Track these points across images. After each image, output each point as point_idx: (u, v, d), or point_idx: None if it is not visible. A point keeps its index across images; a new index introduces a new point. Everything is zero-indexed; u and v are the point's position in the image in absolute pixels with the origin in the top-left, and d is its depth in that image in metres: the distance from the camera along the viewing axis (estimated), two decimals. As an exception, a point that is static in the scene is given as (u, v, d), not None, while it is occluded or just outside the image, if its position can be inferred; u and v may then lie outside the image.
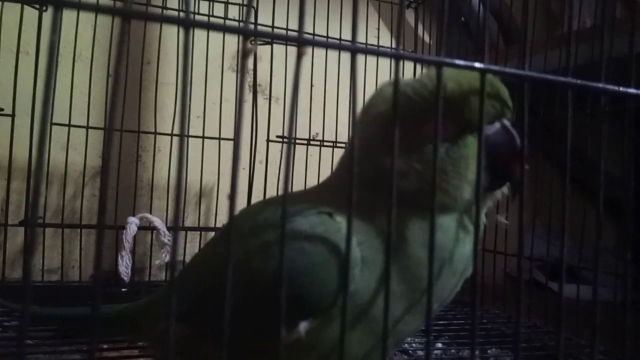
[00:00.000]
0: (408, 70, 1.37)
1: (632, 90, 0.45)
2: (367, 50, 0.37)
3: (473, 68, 0.40)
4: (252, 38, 0.35)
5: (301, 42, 0.35)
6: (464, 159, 0.46)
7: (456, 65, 0.39)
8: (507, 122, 0.48)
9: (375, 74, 1.30)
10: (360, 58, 0.35)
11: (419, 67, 1.49)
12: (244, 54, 0.35)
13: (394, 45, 1.45)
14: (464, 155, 0.46)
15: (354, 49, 0.37)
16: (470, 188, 0.46)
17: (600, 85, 0.43)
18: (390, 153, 0.46)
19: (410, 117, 0.46)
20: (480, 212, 0.39)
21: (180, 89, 1.25)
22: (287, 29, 1.22)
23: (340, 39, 1.31)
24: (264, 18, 1.22)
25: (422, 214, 0.45)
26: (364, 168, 0.47)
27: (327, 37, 1.32)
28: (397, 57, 0.37)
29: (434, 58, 0.38)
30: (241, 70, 0.34)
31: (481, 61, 0.39)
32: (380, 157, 0.47)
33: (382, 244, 0.44)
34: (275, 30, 1.22)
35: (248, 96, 1.32)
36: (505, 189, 0.50)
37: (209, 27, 0.34)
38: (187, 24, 0.32)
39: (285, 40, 0.35)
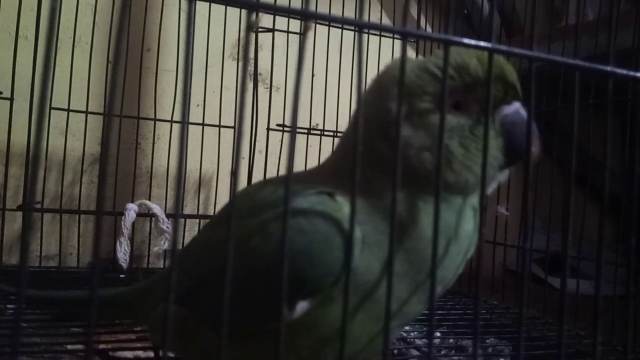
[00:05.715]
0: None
1: (640, 75, 0.45)
2: (373, 26, 0.37)
3: (481, 47, 0.39)
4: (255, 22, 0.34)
5: (306, 15, 0.35)
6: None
7: (464, 44, 0.38)
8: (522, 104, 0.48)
9: (377, 62, 1.29)
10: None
11: (420, 54, 1.49)
12: (248, 27, 0.34)
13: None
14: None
15: (360, 24, 0.36)
16: (490, 167, 0.46)
17: (609, 68, 0.43)
18: (405, 125, 0.45)
19: (432, 91, 0.46)
20: (485, 190, 0.39)
21: (180, 74, 1.24)
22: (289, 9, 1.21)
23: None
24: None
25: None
26: (376, 144, 0.46)
27: (329, 24, 1.31)
28: (403, 33, 0.37)
29: (441, 36, 0.38)
30: (245, 44, 0.34)
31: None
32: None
33: (388, 224, 0.44)
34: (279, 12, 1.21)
35: (249, 85, 1.31)
36: (509, 171, 0.50)
37: (212, -3, 0.33)
38: (191, -7, 0.32)
39: (290, 13, 0.35)
